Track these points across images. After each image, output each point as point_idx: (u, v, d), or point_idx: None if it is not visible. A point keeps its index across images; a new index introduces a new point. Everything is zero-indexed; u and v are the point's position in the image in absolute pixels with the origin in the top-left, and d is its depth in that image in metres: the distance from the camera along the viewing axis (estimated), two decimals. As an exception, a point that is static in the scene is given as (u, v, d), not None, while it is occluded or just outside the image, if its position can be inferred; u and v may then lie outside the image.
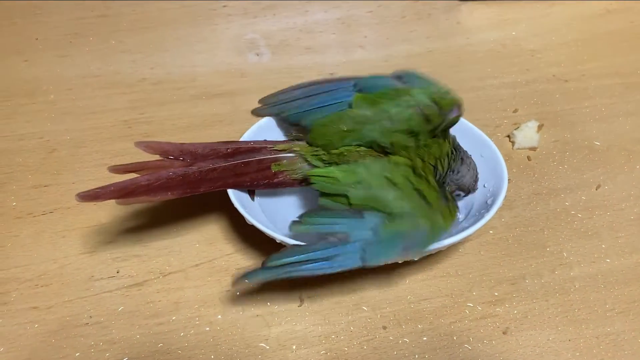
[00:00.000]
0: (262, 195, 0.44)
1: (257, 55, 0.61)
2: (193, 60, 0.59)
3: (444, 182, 0.42)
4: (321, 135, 0.42)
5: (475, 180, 0.43)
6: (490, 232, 0.46)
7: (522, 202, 0.48)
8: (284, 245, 0.38)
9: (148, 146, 0.41)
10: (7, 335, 0.39)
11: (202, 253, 0.44)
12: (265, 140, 0.44)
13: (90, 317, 0.40)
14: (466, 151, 0.43)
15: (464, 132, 0.46)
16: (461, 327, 0.40)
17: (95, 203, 0.47)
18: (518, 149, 0.52)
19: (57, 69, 0.58)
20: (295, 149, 0.42)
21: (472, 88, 0.57)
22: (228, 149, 0.42)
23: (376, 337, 0.40)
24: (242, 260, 0.44)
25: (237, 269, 0.43)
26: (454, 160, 0.42)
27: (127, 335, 0.39)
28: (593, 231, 0.46)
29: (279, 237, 0.38)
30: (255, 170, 0.41)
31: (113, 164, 0.49)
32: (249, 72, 0.59)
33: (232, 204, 0.40)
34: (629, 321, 0.41)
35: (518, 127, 0.53)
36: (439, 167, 0.41)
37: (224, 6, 0.61)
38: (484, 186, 0.44)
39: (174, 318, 0.40)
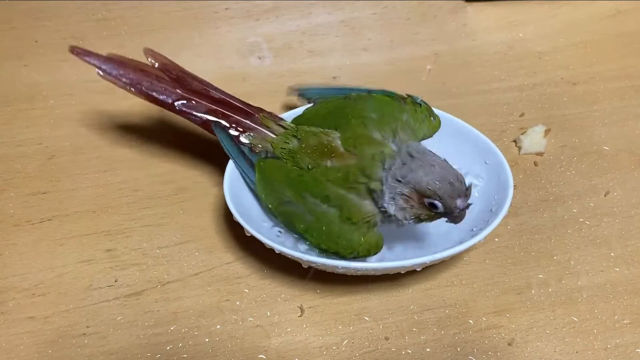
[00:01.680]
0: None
1: (260, 58, 0.60)
2: (194, 63, 0.58)
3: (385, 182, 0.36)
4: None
5: (440, 179, 0.35)
6: (496, 239, 0.45)
7: (529, 209, 0.47)
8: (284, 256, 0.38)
9: (153, 55, 0.44)
10: (3, 346, 0.38)
11: (201, 262, 0.43)
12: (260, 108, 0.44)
13: (88, 327, 0.40)
14: (423, 151, 0.36)
15: (468, 137, 0.45)
16: (465, 338, 0.40)
17: (93, 210, 0.46)
18: (524, 154, 0.51)
19: (57, 74, 0.57)
20: (274, 131, 0.42)
21: (478, 91, 0.56)
22: (220, 97, 0.44)
23: (378, 349, 0.39)
24: (242, 268, 0.43)
25: (237, 277, 0.42)
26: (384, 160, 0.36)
27: (124, 345, 0.39)
28: (602, 239, 0.45)
29: (278, 247, 0.37)
30: (229, 127, 0.43)
31: (113, 170, 0.49)
32: (251, 75, 0.58)
33: (231, 213, 0.39)
34: (638, 332, 0.40)
35: (525, 132, 0.52)
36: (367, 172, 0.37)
37: (226, 8, 0.61)
38: (479, 180, 0.43)
39: (172, 328, 0.40)
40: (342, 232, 0.37)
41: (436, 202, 0.35)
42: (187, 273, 0.43)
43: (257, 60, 0.60)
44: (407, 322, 0.40)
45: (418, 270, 0.40)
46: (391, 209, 0.37)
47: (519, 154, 0.51)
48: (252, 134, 0.42)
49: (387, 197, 0.36)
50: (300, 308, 0.41)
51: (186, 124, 0.52)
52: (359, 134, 0.39)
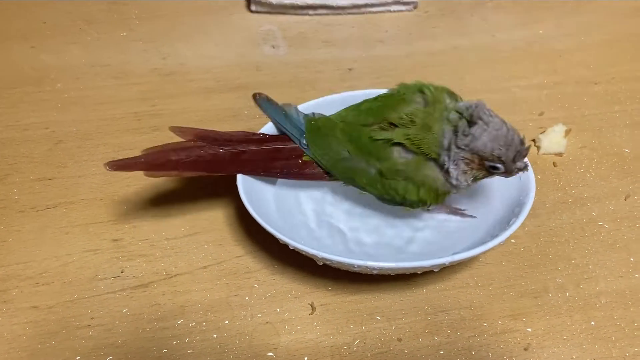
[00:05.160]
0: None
1: (274, 47, 0.59)
2: (207, 51, 0.58)
3: (448, 150, 0.37)
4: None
5: (503, 145, 0.36)
6: (513, 241, 0.44)
7: (547, 211, 0.46)
8: (298, 252, 0.37)
9: (181, 131, 0.40)
10: (5, 336, 0.37)
11: (211, 255, 0.42)
12: None
13: (93, 318, 0.39)
14: (487, 112, 0.37)
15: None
16: (480, 341, 0.39)
17: (100, 199, 0.45)
18: (544, 154, 0.50)
19: (65, 57, 0.56)
20: None
21: (497, 88, 0.55)
22: (260, 135, 0.42)
23: (390, 350, 0.38)
24: (252, 263, 0.42)
25: (247, 272, 0.41)
26: (455, 120, 0.37)
27: (130, 339, 0.38)
28: (621, 244, 0.44)
29: (292, 243, 0.36)
30: (286, 158, 0.41)
31: (121, 157, 0.47)
32: (265, 65, 0.57)
33: (243, 204, 0.38)
34: (659, 342, 0.38)
35: (544, 131, 0.50)
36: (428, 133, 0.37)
37: (240, -5, 0.60)
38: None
39: (179, 322, 0.39)
40: (407, 190, 0.39)
41: (498, 165, 0.37)
42: (196, 266, 0.42)
43: (271, 50, 0.58)
44: (420, 323, 0.39)
45: (435, 271, 0.39)
46: (454, 174, 0.38)
47: (537, 153, 0.50)
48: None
49: (451, 163, 0.37)
50: (311, 306, 0.40)
51: (200, 112, 0.52)
52: (413, 109, 0.39)
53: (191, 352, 0.37)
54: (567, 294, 0.41)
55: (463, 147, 0.36)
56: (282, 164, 0.41)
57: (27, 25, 0.58)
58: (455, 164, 0.37)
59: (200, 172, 0.39)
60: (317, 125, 0.41)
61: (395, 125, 0.38)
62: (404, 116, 0.38)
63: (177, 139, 0.40)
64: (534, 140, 0.51)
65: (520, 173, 0.37)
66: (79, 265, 0.41)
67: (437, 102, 0.38)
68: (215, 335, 0.38)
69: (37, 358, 0.37)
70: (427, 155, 0.38)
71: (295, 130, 0.41)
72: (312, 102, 0.46)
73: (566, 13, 0.63)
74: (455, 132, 0.37)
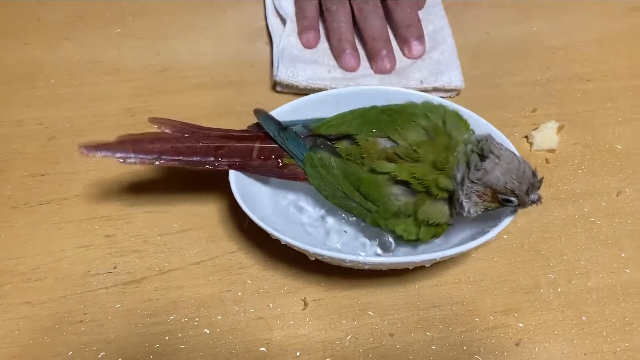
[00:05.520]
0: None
1: (267, 44, 0.58)
2: (200, 47, 0.57)
3: (461, 184, 0.37)
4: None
5: (516, 178, 0.36)
6: (505, 237, 0.44)
7: (539, 207, 0.45)
8: (291, 247, 0.37)
9: (161, 122, 0.40)
10: (-2, 331, 0.38)
11: (204, 250, 0.42)
12: None
13: (85, 314, 0.39)
14: (497, 145, 0.37)
15: (479, 130, 0.43)
16: (472, 337, 0.39)
17: (94, 195, 0.45)
18: (536, 150, 0.50)
19: (59, 53, 0.56)
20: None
21: (490, 85, 0.55)
22: (242, 133, 0.42)
23: (383, 345, 0.38)
24: (245, 258, 0.42)
25: (240, 268, 0.41)
26: (467, 154, 0.37)
27: (122, 334, 0.38)
28: (613, 239, 0.44)
29: (284, 238, 0.36)
30: (265, 158, 0.40)
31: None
32: (259, 61, 0.57)
33: (235, 200, 0.38)
34: (649, 337, 0.39)
35: (537, 128, 0.50)
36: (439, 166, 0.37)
37: (234, -9, 0.59)
38: None
39: (172, 318, 0.39)
40: (407, 230, 0.38)
41: (511, 198, 0.36)
42: (189, 261, 0.42)
43: (265, 46, 0.58)
44: (412, 318, 0.39)
45: (427, 266, 0.39)
46: (466, 207, 0.37)
47: (530, 150, 0.50)
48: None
49: (464, 197, 0.37)
50: (304, 301, 0.40)
51: (193, 108, 0.52)
52: (419, 139, 0.38)
53: (184, 348, 0.38)
54: (559, 289, 0.41)
55: (476, 180, 0.36)
56: (259, 162, 0.40)
57: (20, 22, 0.58)
58: (468, 197, 0.37)
59: (173, 163, 0.39)
60: (314, 163, 0.39)
61: (399, 156, 0.37)
62: (408, 146, 0.37)
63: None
64: (526, 136, 0.51)
65: (534, 205, 0.37)
66: (72, 261, 0.41)
67: (442, 134, 0.38)
68: (207, 331, 0.38)
69: (29, 353, 0.37)
70: (435, 196, 0.37)
71: (296, 156, 0.40)
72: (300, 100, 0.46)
73: (560, 10, 0.63)
74: (468, 165, 0.36)
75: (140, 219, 0.44)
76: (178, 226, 0.44)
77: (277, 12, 0.58)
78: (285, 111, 0.43)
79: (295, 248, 0.37)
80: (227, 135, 0.41)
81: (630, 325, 0.40)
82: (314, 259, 0.38)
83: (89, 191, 0.45)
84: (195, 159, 0.39)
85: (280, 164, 0.40)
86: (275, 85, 0.53)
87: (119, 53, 0.56)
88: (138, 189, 0.46)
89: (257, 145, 0.41)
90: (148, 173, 0.47)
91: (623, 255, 0.43)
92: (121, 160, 0.38)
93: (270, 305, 0.40)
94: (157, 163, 0.38)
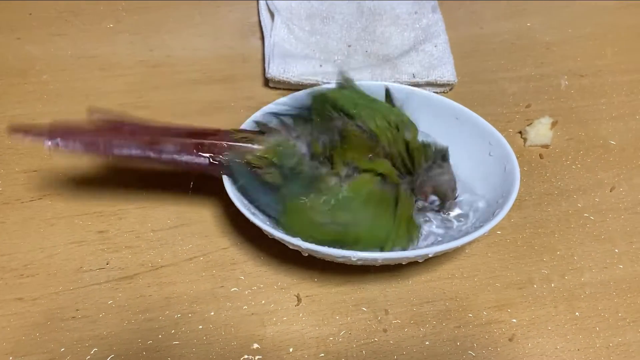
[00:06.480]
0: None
1: (261, 39, 0.58)
2: (194, 43, 0.57)
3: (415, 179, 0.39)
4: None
5: (453, 189, 0.40)
6: (498, 232, 0.44)
7: (533, 202, 0.46)
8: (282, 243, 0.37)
9: (100, 112, 0.39)
10: (-11, 328, 0.37)
11: (196, 246, 0.42)
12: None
13: (77, 310, 0.39)
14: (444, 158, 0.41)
15: (473, 125, 0.44)
16: (465, 332, 0.39)
17: (86, 190, 0.45)
18: (530, 146, 0.50)
19: (51, 48, 0.55)
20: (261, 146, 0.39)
21: (484, 80, 0.55)
22: (184, 130, 0.39)
23: (376, 340, 0.38)
24: (238, 255, 0.42)
25: (233, 264, 0.41)
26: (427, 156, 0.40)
27: (115, 330, 0.38)
28: (606, 235, 0.44)
29: (277, 234, 0.36)
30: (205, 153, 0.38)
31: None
32: (252, 57, 0.56)
33: (228, 196, 0.38)
34: (641, 332, 0.39)
35: (531, 123, 0.50)
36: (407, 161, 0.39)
37: (227, -13, 0.59)
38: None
39: (165, 314, 0.39)
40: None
41: (441, 200, 0.41)
42: (181, 257, 0.42)
43: (258, 42, 0.58)
44: (406, 314, 0.39)
45: (420, 261, 0.39)
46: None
47: (524, 145, 0.50)
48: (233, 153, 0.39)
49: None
50: (297, 297, 0.40)
51: (186, 104, 0.52)
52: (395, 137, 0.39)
53: (177, 344, 0.37)
54: (552, 285, 0.41)
55: (430, 176, 0.39)
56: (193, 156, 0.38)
57: (12, 17, 0.57)
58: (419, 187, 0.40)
59: (104, 156, 0.38)
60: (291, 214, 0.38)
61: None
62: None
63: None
64: (520, 132, 0.51)
65: (446, 215, 0.42)
66: (64, 257, 0.41)
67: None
68: (200, 327, 0.38)
69: (21, 349, 0.37)
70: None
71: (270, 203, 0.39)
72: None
73: (554, 6, 0.63)
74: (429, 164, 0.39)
75: (133, 215, 0.44)
76: (171, 222, 0.43)
77: (269, 7, 0.58)
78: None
79: (288, 244, 0.36)
80: (171, 131, 0.39)
81: (623, 320, 0.40)
82: (307, 254, 0.38)
83: (82, 187, 0.45)
84: (125, 151, 0.38)
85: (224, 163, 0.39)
86: (268, 81, 0.53)
87: (112, 49, 0.56)
88: (131, 185, 0.45)
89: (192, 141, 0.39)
90: (141, 169, 0.46)
91: (616, 250, 0.43)
92: (51, 147, 0.37)
93: (264, 301, 0.40)
94: (93, 153, 0.38)
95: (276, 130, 0.39)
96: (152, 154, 0.38)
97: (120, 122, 0.39)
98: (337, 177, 0.37)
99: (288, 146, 0.38)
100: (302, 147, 0.38)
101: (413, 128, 0.39)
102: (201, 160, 0.38)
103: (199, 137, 0.39)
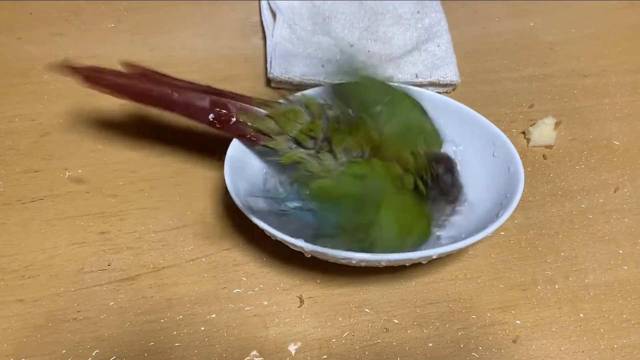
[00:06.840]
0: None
1: (262, 39, 0.58)
2: (194, 43, 0.57)
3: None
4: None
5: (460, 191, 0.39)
6: (502, 233, 0.44)
7: (536, 203, 0.46)
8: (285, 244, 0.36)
9: (130, 64, 0.42)
10: (-10, 329, 0.37)
11: (199, 247, 0.42)
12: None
13: (79, 312, 0.38)
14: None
15: (477, 126, 0.43)
16: (469, 334, 0.39)
17: (87, 191, 0.45)
18: (533, 146, 0.49)
19: (52, 48, 0.55)
20: (270, 110, 0.40)
21: (487, 80, 0.55)
22: (206, 88, 0.42)
23: (379, 342, 0.38)
24: (240, 256, 0.42)
25: (235, 265, 0.41)
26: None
27: (116, 332, 0.38)
28: (610, 236, 0.44)
29: (280, 235, 0.36)
30: (220, 107, 0.41)
31: (108, 150, 0.47)
32: (254, 57, 0.56)
33: (230, 197, 0.38)
34: (646, 333, 0.39)
35: (534, 124, 0.50)
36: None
37: (228, -14, 0.59)
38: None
39: (166, 315, 0.39)
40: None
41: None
42: (183, 258, 0.41)
43: (259, 41, 0.58)
44: (409, 315, 0.39)
45: (423, 263, 0.39)
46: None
47: (527, 146, 0.50)
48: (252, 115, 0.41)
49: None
50: (300, 298, 0.40)
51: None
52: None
53: (178, 345, 0.37)
54: (556, 286, 0.41)
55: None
56: (215, 113, 0.41)
57: (13, 17, 0.57)
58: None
59: (126, 97, 0.42)
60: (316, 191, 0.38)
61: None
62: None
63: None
64: (524, 132, 0.50)
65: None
66: (65, 258, 0.41)
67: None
68: (202, 328, 0.38)
69: (22, 351, 0.36)
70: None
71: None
72: None
73: (557, 5, 0.62)
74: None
75: (134, 216, 0.43)
76: (173, 223, 0.43)
77: (271, 7, 0.58)
78: None
79: (291, 245, 0.36)
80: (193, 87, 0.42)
81: (627, 322, 0.39)
82: (309, 255, 0.38)
83: (83, 188, 0.45)
84: (143, 97, 0.41)
85: (234, 121, 0.41)
86: (270, 81, 0.53)
87: (113, 49, 0.56)
88: (132, 185, 0.45)
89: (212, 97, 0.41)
90: (142, 168, 0.46)
91: (620, 251, 0.43)
92: (87, 83, 0.41)
93: (266, 302, 0.39)
94: (115, 95, 0.41)
95: (293, 102, 0.41)
96: (175, 97, 0.41)
97: (151, 71, 0.42)
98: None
99: (296, 112, 0.40)
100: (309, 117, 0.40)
101: (432, 139, 0.40)
102: (222, 115, 0.41)
103: (220, 95, 0.41)
